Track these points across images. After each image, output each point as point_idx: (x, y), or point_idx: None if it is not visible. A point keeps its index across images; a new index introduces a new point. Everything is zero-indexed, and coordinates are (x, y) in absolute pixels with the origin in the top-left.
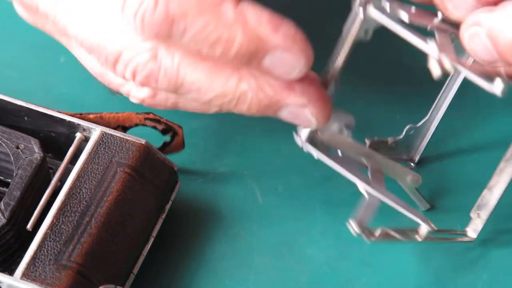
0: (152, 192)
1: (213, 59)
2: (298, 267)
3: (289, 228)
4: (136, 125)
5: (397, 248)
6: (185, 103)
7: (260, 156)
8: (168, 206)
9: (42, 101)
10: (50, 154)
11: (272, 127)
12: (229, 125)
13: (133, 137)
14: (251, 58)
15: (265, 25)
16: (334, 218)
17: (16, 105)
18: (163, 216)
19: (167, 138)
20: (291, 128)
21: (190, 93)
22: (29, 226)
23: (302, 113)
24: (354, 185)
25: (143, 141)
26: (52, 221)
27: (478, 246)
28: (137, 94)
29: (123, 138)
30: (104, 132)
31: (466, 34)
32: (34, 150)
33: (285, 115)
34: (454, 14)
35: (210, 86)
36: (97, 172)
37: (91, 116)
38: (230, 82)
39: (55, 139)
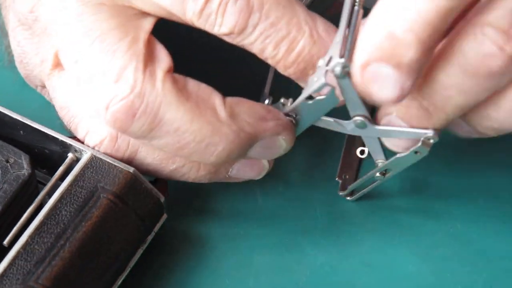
0: (134, 222)
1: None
2: (298, 267)
3: (289, 228)
4: None
5: (397, 248)
6: (147, 153)
7: None
8: (150, 237)
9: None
10: (44, 170)
11: None
12: None
13: (122, 164)
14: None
15: None
16: (334, 218)
17: (12, 118)
18: (144, 247)
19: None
20: None
21: (165, 137)
22: (5, 242)
23: (275, 142)
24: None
25: (131, 169)
26: (27, 240)
27: (478, 246)
28: (99, 132)
29: (112, 164)
30: (94, 156)
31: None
32: (23, 165)
33: (256, 151)
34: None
35: (189, 129)
36: (80, 196)
37: None
38: (210, 125)
39: (48, 156)
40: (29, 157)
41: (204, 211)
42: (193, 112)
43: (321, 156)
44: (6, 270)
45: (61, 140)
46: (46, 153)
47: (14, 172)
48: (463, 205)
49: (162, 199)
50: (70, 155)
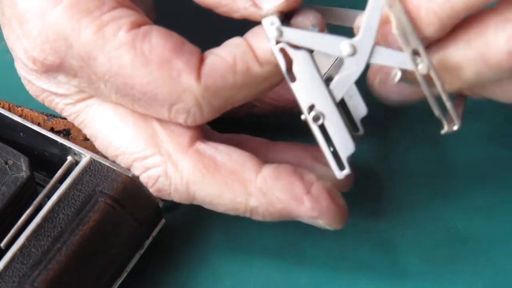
0: (132, 227)
1: None
2: (298, 267)
3: (289, 228)
4: None
5: (397, 248)
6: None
7: None
8: (148, 242)
9: None
10: (44, 173)
11: (273, 127)
12: (230, 125)
13: (121, 168)
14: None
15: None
16: None
17: (12, 120)
18: (141, 251)
19: None
20: (292, 129)
21: (204, 205)
22: (2, 244)
23: (315, 222)
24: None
25: (130, 174)
26: (24, 243)
27: (478, 246)
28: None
29: (111, 168)
30: (93, 159)
31: None
32: (22, 168)
33: (303, 220)
34: None
35: (220, 202)
36: (78, 199)
37: None
38: (239, 198)
39: (48, 158)
40: (28, 159)
41: (204, 211)
42: (221, 187)
43: None
44: (2, 272)
45: (61, 143)
46: (45, 156)
47: (12, 174)
48: (463, 205)
49: (161, 204)
50: (69, 158)
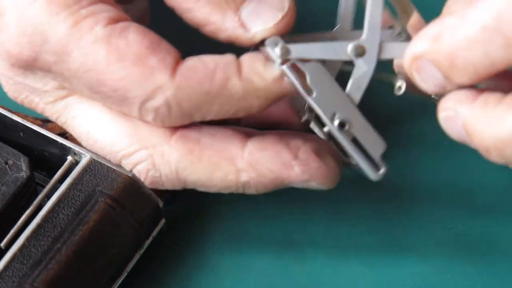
0: (132, 227)
1: None
2: (298, 267)
3: (289, 228)
4: None
5: (397, 248)
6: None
7: None
8: (148, 242)
9: None
10: (44, 173)
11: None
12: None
13: (121, 168)
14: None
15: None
16: (334, 218)
17: (12, 120)
18: (141, 251)
19: None
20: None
21: (196, 188)
22: (2, 244)
23: (308, 185)
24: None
25: (130, 174)
26: (24, 243)
27: (478, 246)
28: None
29: (111, 168)
30: (93, 159)
31: (441, 114)
32: (22, 168)
33: (296, 185)
34: (422, 86)
35: (212, 183)
36: (78, 199)
37: None
38: (229, 176)
39: (48, 158)
40: (28, 159)
41: (204, 211)
42: (209, 169)
43: None
44: (2, 272)
45: (61, 143)
46: (45, 156)
47: (12, 174)
48: (463, 205)
49: (161, 204)
50: (69, 158)
